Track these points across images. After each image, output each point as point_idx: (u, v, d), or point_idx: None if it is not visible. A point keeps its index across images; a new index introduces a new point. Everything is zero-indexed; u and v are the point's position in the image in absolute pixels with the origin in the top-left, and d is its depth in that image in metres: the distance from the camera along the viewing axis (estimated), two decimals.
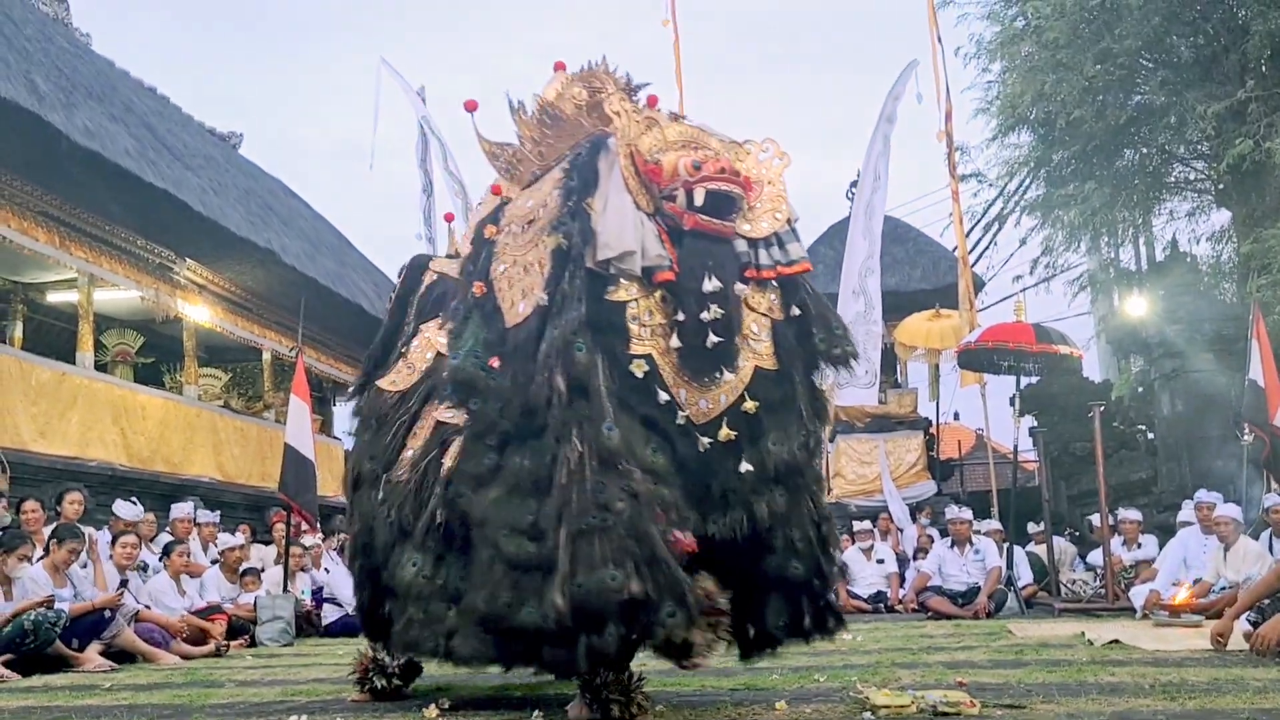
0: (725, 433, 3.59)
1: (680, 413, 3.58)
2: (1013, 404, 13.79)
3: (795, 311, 3.76)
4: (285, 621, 9.12)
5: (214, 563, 9.78)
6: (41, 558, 7.34)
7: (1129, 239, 17.59)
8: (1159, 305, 12.43)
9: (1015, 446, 13.15)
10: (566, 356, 3.52)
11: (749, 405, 3.61)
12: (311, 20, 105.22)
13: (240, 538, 10.47)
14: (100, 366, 13.57)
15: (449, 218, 6.16)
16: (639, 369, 3.54)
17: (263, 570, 9.99)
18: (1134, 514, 11.16)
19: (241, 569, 9.68)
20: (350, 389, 4.95)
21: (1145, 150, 14.44)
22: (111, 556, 8.31)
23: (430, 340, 4.42)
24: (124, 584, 8.03)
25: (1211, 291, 14.06)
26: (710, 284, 3.52)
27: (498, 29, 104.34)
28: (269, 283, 15.31)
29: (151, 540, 9.60)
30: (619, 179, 3.68)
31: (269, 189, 17.97)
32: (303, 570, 10.32)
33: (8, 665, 6.48)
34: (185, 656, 7.67)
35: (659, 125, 3.77)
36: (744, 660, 4.05)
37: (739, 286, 3.61)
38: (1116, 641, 6.36)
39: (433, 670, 4.68)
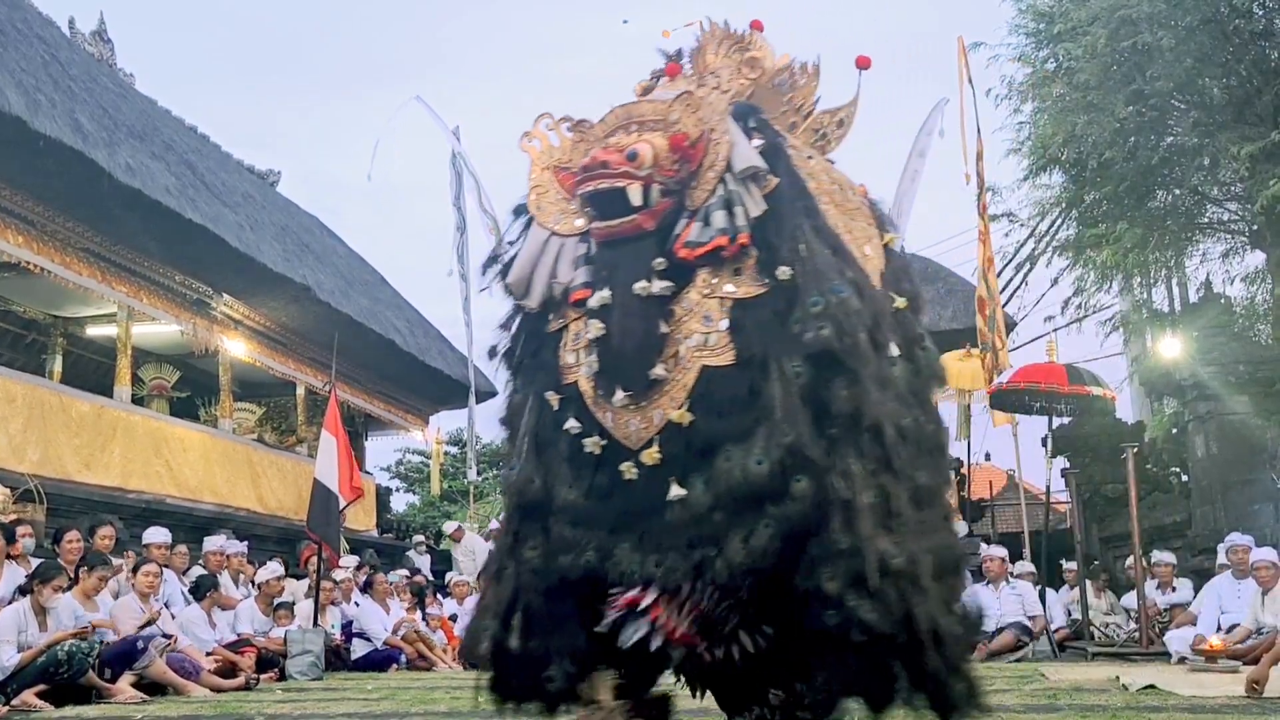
0: (649, 454, 2.98)
1: (589, 440, 3.08)
2: (1045, 445, 13.69)
3: (784, 275, 2.98)
4: (315, 655, 9.15)
5: (248, 596, 9.85)
6: (70, 587, 7.40)
7: (1162, 280, 17.45)
8: (1192, 347, 12.31)
9: (1047, 488, 13.03)
10: (508, 401, 3.45)
11: (675, 415, 2.97)
12: (352, 62, 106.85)
13: (280, 567, 10.54)
14: (137, 400, 13.73)
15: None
16: (553, 401, 3.18)
17: (294, 604, 10.04)
18: (1168, 557, 11.03)
19: (276, 603, 9.74)
20: None
21: (1178, 191, 14.33)
22: (133, 585, 8.37)
23: None
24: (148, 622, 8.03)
25: (1246, 333, 13.91)
26: (595, 298, 3.08)
27: (534, 71, 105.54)
28: (303, 318, 15.46)
29: (184, 573, 9.67)
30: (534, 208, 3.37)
31: (305, 226, 18.19)
32: (333, 604, 10.37)
33: (41, 695, 6.54)
34: (215, 689, 7.71)
35: (591, 127, 3.31)
36: None
37: (641, 285, 3.02)
38: (1152, 686, 6.29)
39: None
